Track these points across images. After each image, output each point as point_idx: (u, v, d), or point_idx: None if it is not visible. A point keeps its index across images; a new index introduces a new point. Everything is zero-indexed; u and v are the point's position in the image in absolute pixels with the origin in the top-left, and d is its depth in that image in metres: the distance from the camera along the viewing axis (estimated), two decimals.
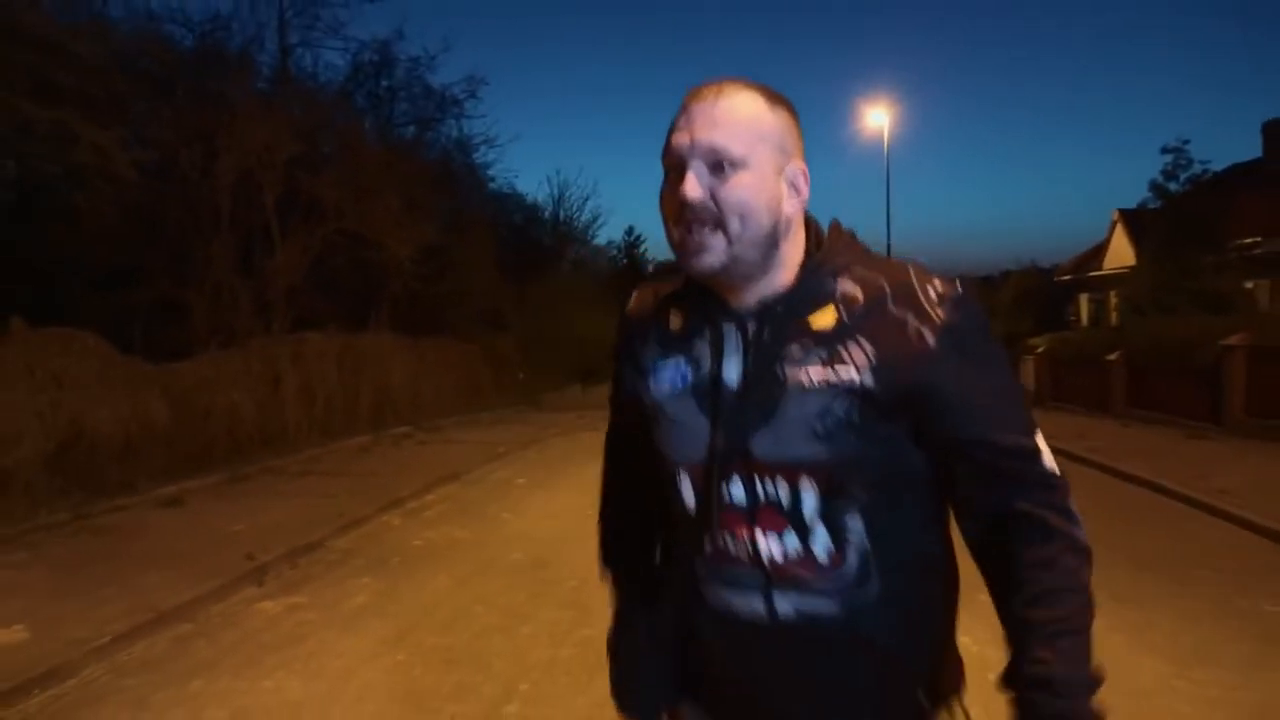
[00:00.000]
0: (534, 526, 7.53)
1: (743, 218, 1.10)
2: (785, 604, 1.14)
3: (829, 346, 1.12)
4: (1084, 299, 29.08)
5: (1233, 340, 12.33)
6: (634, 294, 1.35)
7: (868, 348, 1.11)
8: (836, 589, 1.13)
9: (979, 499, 1.14)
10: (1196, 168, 17.62)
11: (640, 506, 1.40)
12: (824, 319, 1.14)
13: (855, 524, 1.12)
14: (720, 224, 1.10)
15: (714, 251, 1.11)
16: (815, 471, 1.11)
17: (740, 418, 1.14)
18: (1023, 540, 1.10)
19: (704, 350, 1.19)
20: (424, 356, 16.17)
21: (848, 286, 1.15)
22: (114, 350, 8.74)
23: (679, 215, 1.12)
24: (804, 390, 1.11)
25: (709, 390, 1.17)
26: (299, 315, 13.20)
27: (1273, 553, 6.32)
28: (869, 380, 1.09)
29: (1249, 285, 18.92)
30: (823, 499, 1.12)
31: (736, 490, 1.15)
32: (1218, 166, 19.66)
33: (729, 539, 1.16)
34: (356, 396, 13.30)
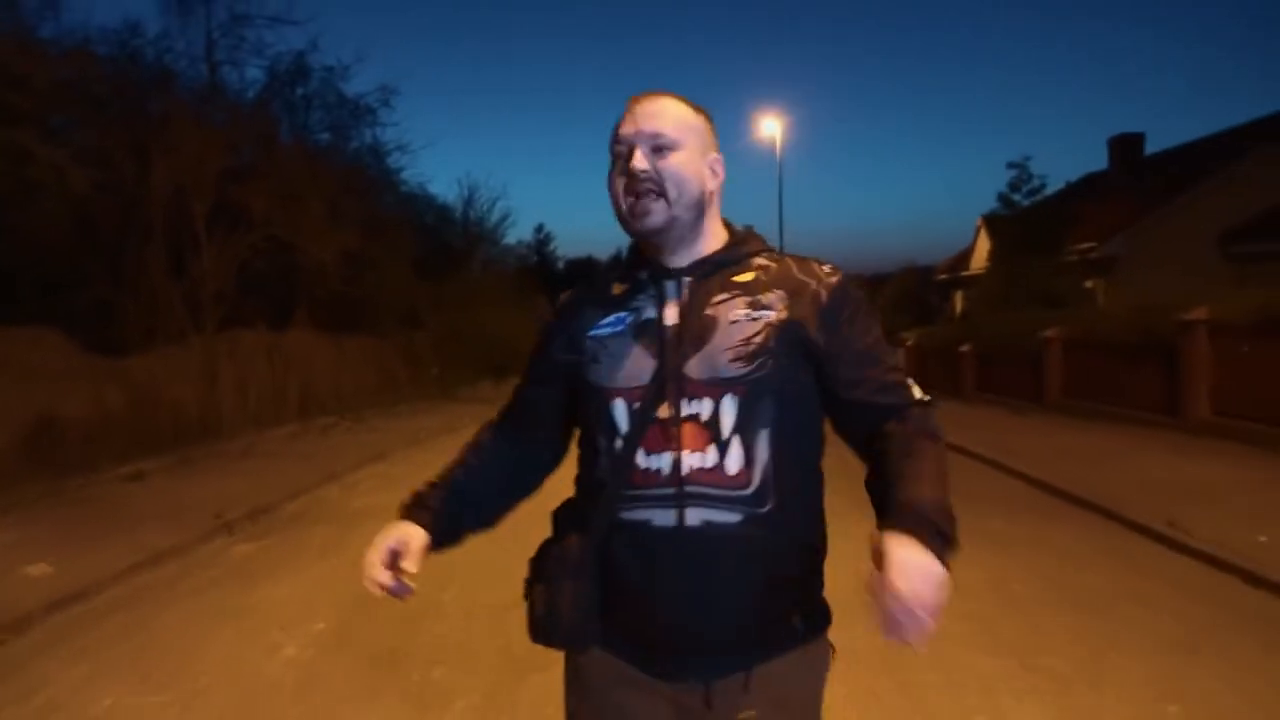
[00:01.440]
0: None
1: (679, 185, 1.40)
2: (694, 516, 1.34)
3: (750, 293, 1.42)
4: (959, 296, 31.82)
5: (1050, 333, 14.55)
6: (567, 293, 1.60)
7: (780, 294, 1.42)
8: (740, 501, 1.34)
9: (867, 415, 1.43)
10: (1036, 182, 20.00)
11: (504, 472, 1.61)
12: (745, 276, 1.45)
13: (763, 443, 1.35)
14: (661, 191, 1.39)
15: (657, 213, 1.39)
16: (736, 387, 1.35)
17: (678, 348, 1.38)
18: (898, 423, 1.41)
19: (645, 302, 1.44)
20: (345, 353, 17.27)
21: (761, 260, 1.48)
22: (75, 346, 9.79)
23: (628, 186, 1.40)
24: (730, 324, 1.38)
25: (649, 329, 1.41)
26: (227, 315, 14.20)
27: (1023, 490, 8.25)
28: (783, 315, 1.39)
29: (1089, 284, 21.53)
30: (739, 412, 1.35)
31: (665, 411, 1.36)
32: (1072, 176, 22.19)
33: (654, 456, 1.37)
34: (285, 389, 14.40)
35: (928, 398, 1.45)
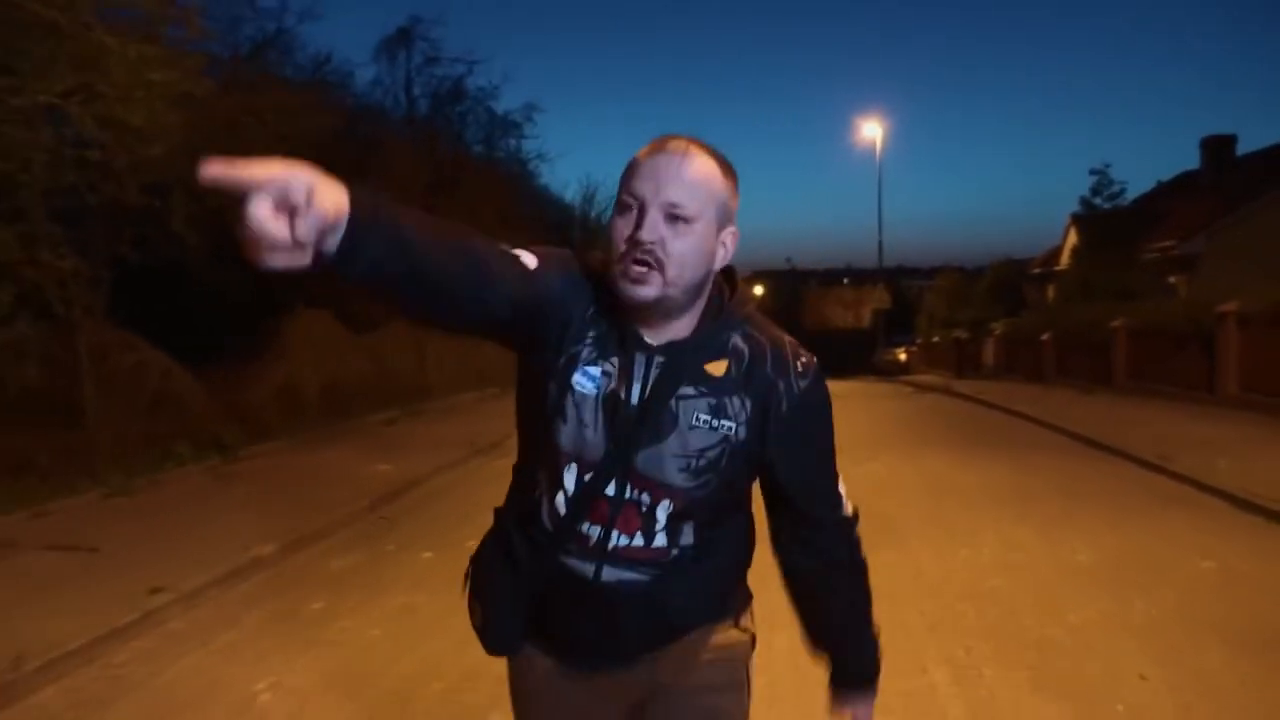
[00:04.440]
0: None
1: (682, 267, 1.30)
2: (609, 574, 1.41)
3: (717, 395, 1.37)
4: (1051, 289, 33.39)
5: (1117, 323, 16.66)
6: (596, 254, 1.42)
7: (746, 403, 1.38)
8: (654, 567, 1.42)
9: (792, 529, 1.51)
10: (1116, 187, 21.87)
11: (448, 254, 1.15)
12: (717, 369, 1.38)
13: (689, 531, 1.43)
14: (663, 268, 1.29)
15: (652, 286, 1.29)
16: (675, 496, 1.38)
17: (633, 435, 1.36)
18: (829, 556, 1.51)
19: (613, 369, 1.37)
20: None
21: (739, 343, 1.40)
22: (340, 324, 13.17)
23: (630, 248, 1.29)
24: (689, 428, 1.36)
25: (613, 406, 1.36)
26: None
27: (1063, 440, 10.72)
28: (741, 433, 1.38)
29: (1172, 280, 23.17)
30: (671, 515, 1.40)
31: (611, 489, 1.38)
32: (1165, 174, 23.62)
33: (588, 526, 1.40)
34: (469, 363, 17.74)
35: (852, 514, 1.52)
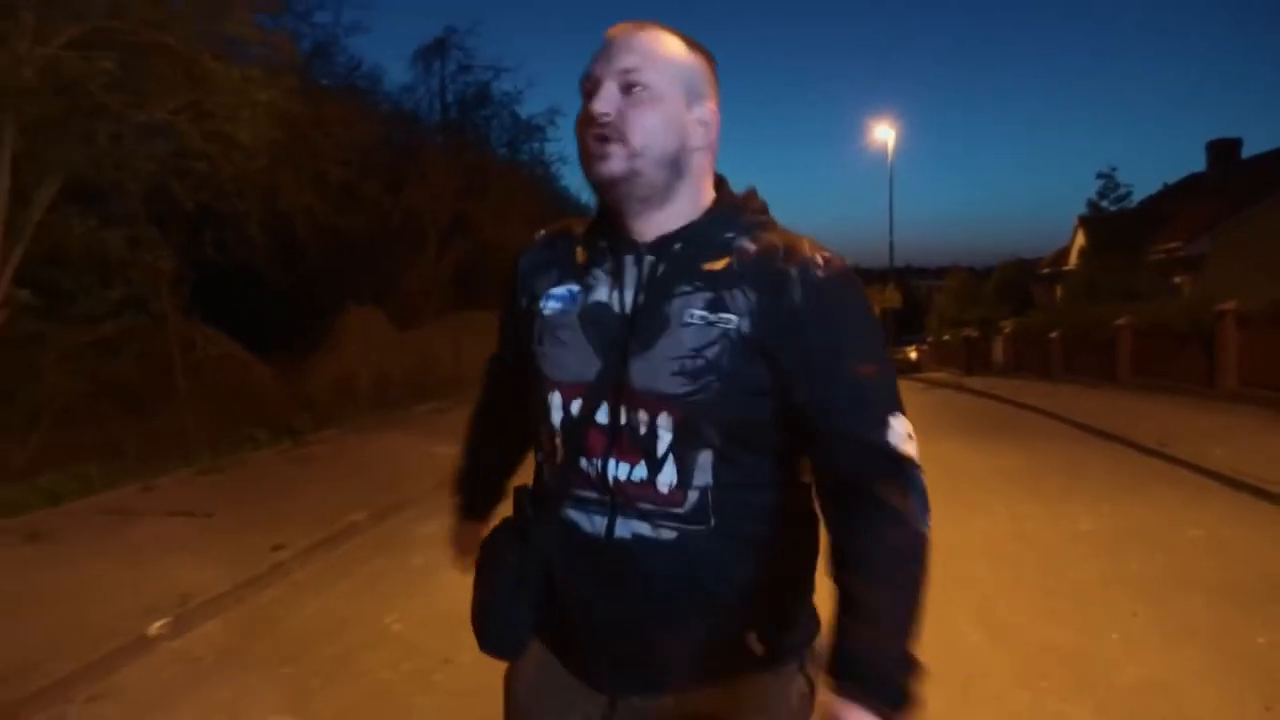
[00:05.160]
0: None
1: (646, 134, 1.15)
2: (624, 528, 1.18)
3: (715, 289, 1.16)
4: (1059, 289, 34.06)
5: (1121, 321, 17.34)
6: (541, 231, 1.37)
7: (751, 295, 1.15)
8: (674, 520, 1.16)
9: (827, 473, 1.19)
10: (1122, 190, 22.56)
11: (508, 428, 1.53)
12: (718, 263, 1.18)
13: (704, 464, 1.16)
14: (624, 138, 1.15)
15: (616, 158, 1.15)
16: (673, 408, 1.14)
17: (622, 346, 1.17)
18: (863, 519, 1.12)
19: (600, 278, 1.22)
20: None
21: (745, 243, 1.19)
22: (388, 321, 13.97)
23: (587, 127, 1.17)
24: (683, 326, 1.15)
25: (598, 316, 1.20)
26: (461, 301, 18.37)
27: (1070, 430, 11.43)
28: (745, 326, 1.14)
29: (1177, 281, 23.82)
30: (676, 436, 1.15)
31: (602, 415, 1.18)
32: (1171, 177, 24.30)
33: (584, 459, 1.19)
34: None
35: (911, 454, 1.16)
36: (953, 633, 4.25)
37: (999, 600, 4.77)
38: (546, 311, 1.27)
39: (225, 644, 4.45)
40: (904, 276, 56.74)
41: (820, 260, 1.17)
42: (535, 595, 1.27)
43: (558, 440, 1.23)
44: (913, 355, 36.25)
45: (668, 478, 1.17)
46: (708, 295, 1.17)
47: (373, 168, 15.94)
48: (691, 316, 1.16)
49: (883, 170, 66.19)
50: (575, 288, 1.25)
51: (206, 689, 3.89)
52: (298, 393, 10.90)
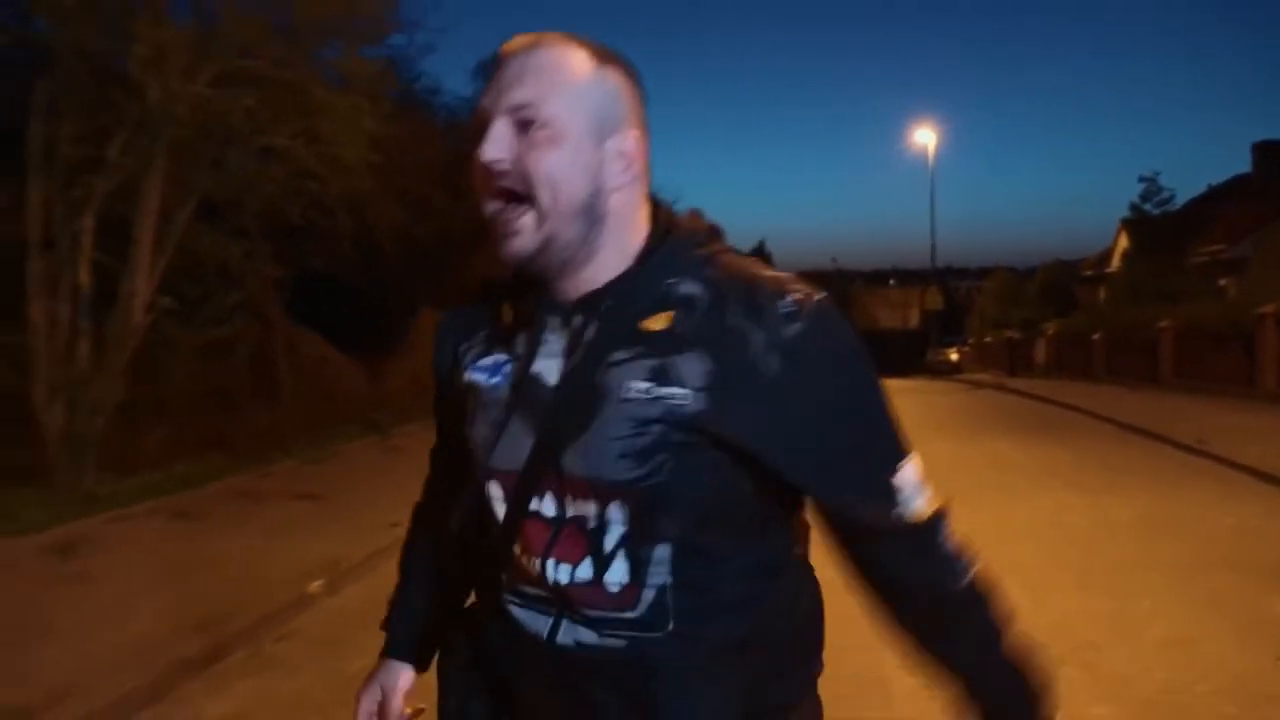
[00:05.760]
0: None
1: (552, 186, 0.92)
2: (568, 634, 0.99)
3: (660, 352, 0.93)
4: (1101, 290, 34.18)
5: (1163, 324, 17.68)
6: (453, 307, 1.19)
7: (705, 362, 0.92)
8: (624, 627, 0.96)
9: (846, 548, 1.03)
10: (1165, 194, 22.81)
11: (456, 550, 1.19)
12: (658, 321, 0.95)
13: (662, 558, 0.95)
14: (528, 195, 0.93)
15: (525, 232, 0.93)
16: (625, 495, 0.94)
17: (556, 427, 0.97)
18: (898, 595, 1.03)
19: (527, 345, 1.02)
20: None
21: (691, 288, 0.95)
22: None
23: (484, 183, 0.95)
24: (623, 401, 0.93)
25: (528, 392, 1.00)
26: None
27: (1107, 427, 11.91)
28: (700, 403, 0.91)
29: (1223, 283, 23.97)
30: (629, 528, 0.95)
31: (547, 506, 0.99)
32: (1216, 179, 24.34)
33: (525, 556, 1.01)
34: None
35: (926, 511, 0.98)
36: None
37: (1041, 575, 5.38)
38: (474, 380, 1.06)
39: (370, 600, 5.19)
40: (943, 277, 56.76)
41: (790, 307, 0.92)
42: (490, 690, 1.12)
43: (499, 533, 1.04)
44: (954, 357, 36.51)
45: (618, 575, 0.96)
46: (650, 363, 0.93)
47: (439, 178, 16.84)
48: (630, 390, 0.93)
49: (922, 169, 66.21)
50: (503, 357, 1.04)
51: (363, 636, 4.64)
52: (378, 391, 11.72)
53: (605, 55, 0.98)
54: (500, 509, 1.03)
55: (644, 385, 0.93)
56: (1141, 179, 22.70)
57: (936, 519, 1.00)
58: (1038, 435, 11.71)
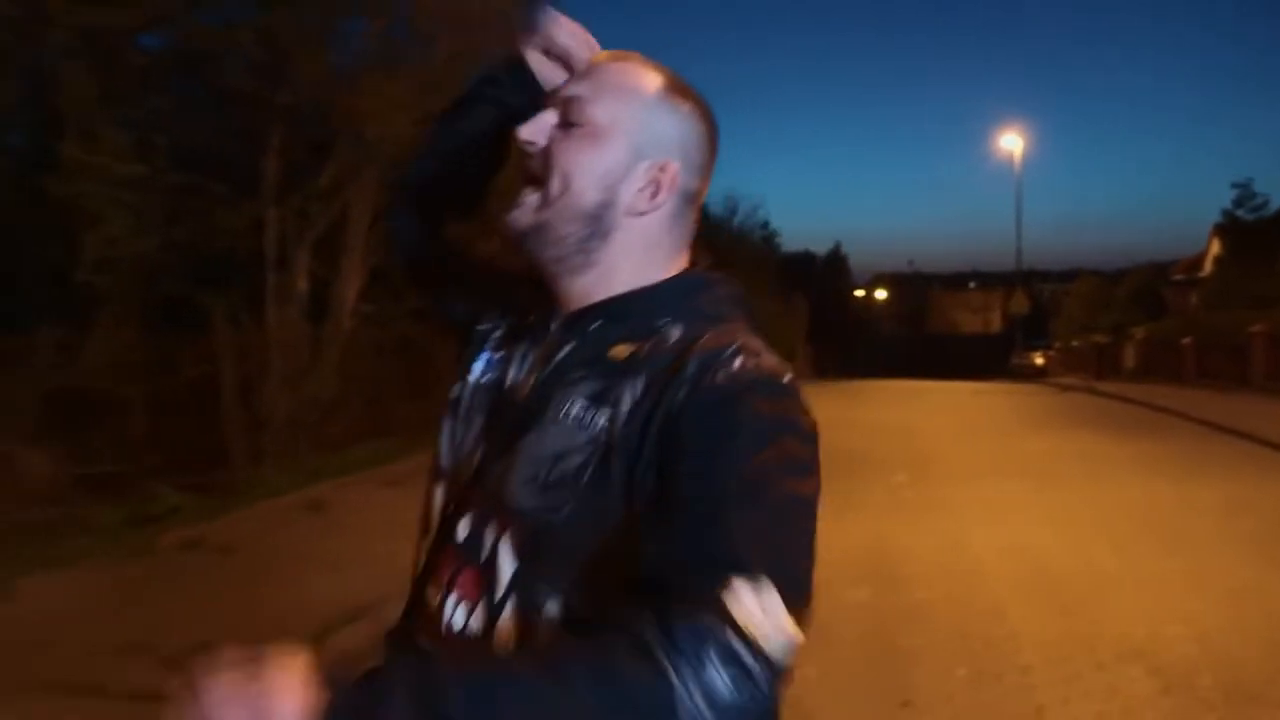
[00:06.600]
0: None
1: (565, 178, 0.91)
2: None
3: (609, 376, 0.88)
4: (1193, 294, 33.93)
5: (1255, 328, 18.03)
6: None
7: (637, 388, 0.86)
8: None
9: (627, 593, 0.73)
10: (1259, 199, 22.94)
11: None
12: (623, 350, 0.90)
13: (551, 613, 0.84)
14: (542, 179, 0.93)
15: (524, 209, 0.93)
16: (516, 525, 0.86)
17: (500, 439, 0.92)
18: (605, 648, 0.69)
19: (522, 349, 0.99)
20: None
21: (674, 330, 0.90)
22: None
23: (519, 163, 0.98)
24: (554, 422, 0.88)
25: (497, 397, 0.97)
26: None
27: (1186, 424, 12.55)
28: (617, 426, 0.84)
29: None
30: (518, 567, 0.86)
31: (463, 528, 0.91)
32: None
33: (431, 587, 0.93)
34: None
35: (762, 651, 0.67)
36: (1093, 560, 5.87)
37: (1125, 542, 6.33)
38: (465, 378, 1.02)
39: None
40: (1027, 280, 56.24)
41: (737, 363, 0.83)
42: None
43: (421, 560, 0.96)
44: (1039, 361, 36.59)
45: (508, 626, 0.85)
46: (597, 385, 0.87)
47: None
48: (566, 411, 0.87)
49: (1002, 171, 65.51)
50: (499, 355, 1.01)
51: None
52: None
53: (679, 87, 0.96)
54: (435, 519, 0.97)
55: (581, 404, 0.87)
56: (1234, 185, 22.89)
57: (765, 661, 0.67)
58: (1126, 432, 12.44)
